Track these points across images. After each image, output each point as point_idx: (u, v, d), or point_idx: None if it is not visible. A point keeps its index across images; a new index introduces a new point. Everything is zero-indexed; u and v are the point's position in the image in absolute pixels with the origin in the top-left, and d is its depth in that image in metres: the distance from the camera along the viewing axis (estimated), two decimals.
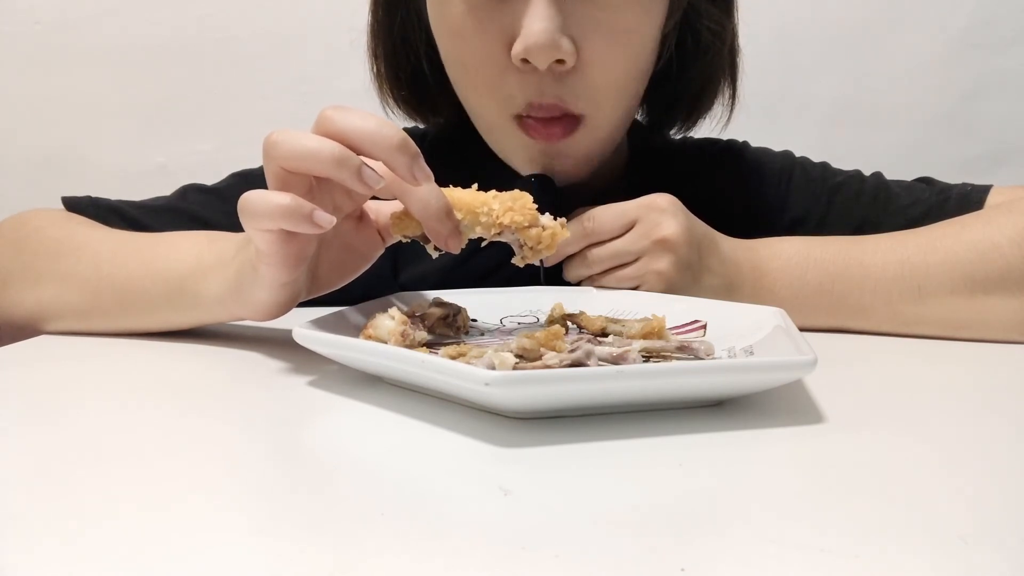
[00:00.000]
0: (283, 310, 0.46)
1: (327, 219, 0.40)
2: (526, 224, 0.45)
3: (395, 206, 0.47)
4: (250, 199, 0.41)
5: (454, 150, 0.68)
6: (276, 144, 0.40)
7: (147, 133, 1.27)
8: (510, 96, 0.57)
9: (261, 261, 0.43)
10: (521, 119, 0.58)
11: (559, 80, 0.56)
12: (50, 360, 0.49)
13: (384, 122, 0.41)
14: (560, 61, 0.54)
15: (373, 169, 0.40)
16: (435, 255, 0.47)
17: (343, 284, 0.50)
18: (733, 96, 0.70)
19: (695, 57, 0.65)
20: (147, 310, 0.52)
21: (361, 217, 0.48)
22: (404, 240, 0.47)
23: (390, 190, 0.43)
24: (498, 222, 0.45)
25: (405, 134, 0.40)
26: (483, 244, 0.47)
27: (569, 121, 0.58)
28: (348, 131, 0.40)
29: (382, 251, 0.50)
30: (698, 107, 0.70)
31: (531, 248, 0.46)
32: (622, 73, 0.58)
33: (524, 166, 0.61)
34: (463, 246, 0.45)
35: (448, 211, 0.43)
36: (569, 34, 0.54)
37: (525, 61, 0.54)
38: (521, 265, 0.48)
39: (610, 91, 0.58)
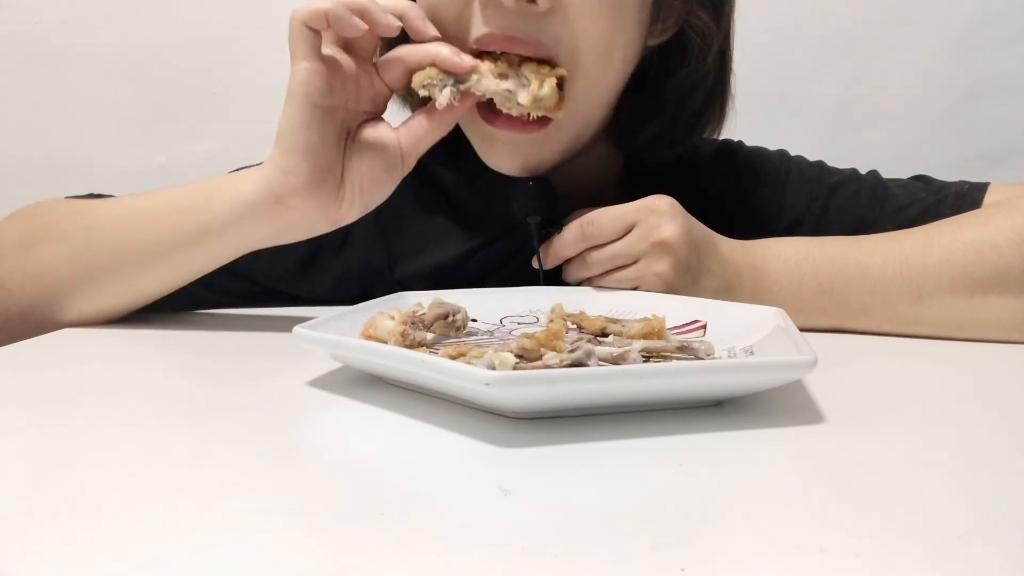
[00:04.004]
0: (312, 191, 0.49)
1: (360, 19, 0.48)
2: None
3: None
4: (298, 10, 0.50)
5: (452, 149, 0.68)
6: (298, 10, 0.50)
7: (147, 133, 1.27)
8: (465, 31, 0.53)
9: (287, 103, 0.51)
10: (484, 113, 0.55)
11: (533, 19, 0.51)
12: (52, 360, 0.49)
13: None
14: (531, 1, 0.50)
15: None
16: (444, 102, 0.50)
17: (386, 194, 0.52)
18: (723, 105, 0.66)
19: (681, 63, 0.61)
20: (178, 240, 0.53)
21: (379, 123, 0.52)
22: (424, 90, 0.50)
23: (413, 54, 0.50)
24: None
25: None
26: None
27: (536, 123, 0.54)
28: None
29: (410, 145, 0.52)
30: (686, 116, 0.65)
31: (536, 82, 0.51)
32: (606, 23, 0.53)
33: (490, 155, 0.58)
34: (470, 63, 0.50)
35: (451, 47, 0.50)
36: None
37: None
38: (517, 113, 0.52)
39: (593, 42, 0.53)
